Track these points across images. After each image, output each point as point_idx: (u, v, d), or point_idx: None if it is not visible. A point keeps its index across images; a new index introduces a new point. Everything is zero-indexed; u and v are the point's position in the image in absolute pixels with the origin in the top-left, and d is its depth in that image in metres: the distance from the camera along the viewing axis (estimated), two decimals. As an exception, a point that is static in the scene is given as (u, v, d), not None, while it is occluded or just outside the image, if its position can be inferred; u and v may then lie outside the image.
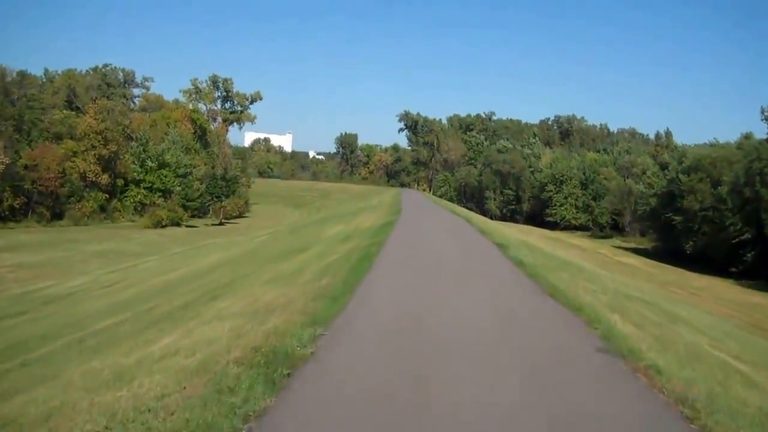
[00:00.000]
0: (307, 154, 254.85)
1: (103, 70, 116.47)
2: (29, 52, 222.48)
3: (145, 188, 76.75)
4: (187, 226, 73.03)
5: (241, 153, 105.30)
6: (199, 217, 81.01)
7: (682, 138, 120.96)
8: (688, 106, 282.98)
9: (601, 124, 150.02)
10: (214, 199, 75.00)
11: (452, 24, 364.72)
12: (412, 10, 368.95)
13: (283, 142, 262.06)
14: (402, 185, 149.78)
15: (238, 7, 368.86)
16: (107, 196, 72.80)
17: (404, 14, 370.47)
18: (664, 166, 79.43)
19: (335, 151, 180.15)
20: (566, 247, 70.44)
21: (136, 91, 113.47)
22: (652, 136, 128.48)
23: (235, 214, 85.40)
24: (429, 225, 29.89)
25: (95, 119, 71.54)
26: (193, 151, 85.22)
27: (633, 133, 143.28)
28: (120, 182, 75.72)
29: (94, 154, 71.29)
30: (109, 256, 49.25)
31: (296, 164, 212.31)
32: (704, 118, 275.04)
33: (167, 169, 78.04)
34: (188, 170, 79.67)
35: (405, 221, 29.48)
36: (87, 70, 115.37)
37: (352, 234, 24.98)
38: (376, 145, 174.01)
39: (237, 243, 49.02)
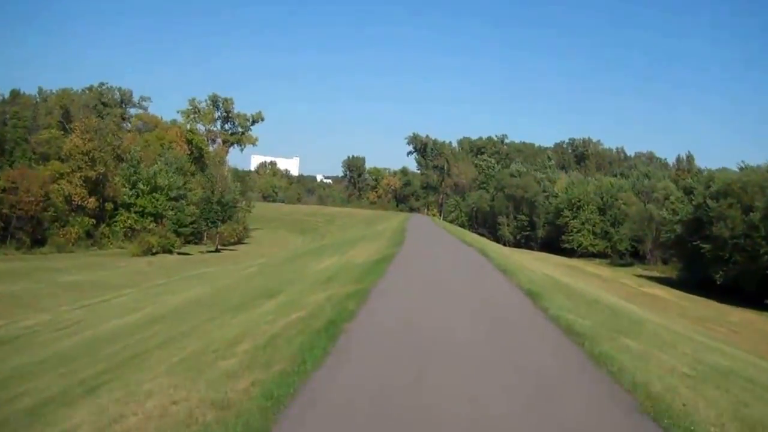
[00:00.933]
0: (314, 177, 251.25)
1: (99, 89, 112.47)
2: (25, 71, 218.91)
3: (135, 213, 72.16)
4: (180, 254, 68.25)
5: (240, 176, 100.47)
6: (195, 243, 76.24)
7: (702, 162, 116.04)
8: (706, 130, 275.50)
9: (617, 148, 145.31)
10: (209, 224, 70.25)
11: (462, 44, 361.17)
12: (422, 31, 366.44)
13: (290, 165, 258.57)
14: (411, 210, 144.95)
15: (242, 29, 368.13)
16: (94, 221, 68.10)
17: (414, 35, 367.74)
18: (688, 191, 74.06)
19: (342, 174, 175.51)
20: (586, 276, 65.17)
21: (132, 111, 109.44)
22: (670, 161, 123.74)
23: (233, 240, 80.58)
24: (435, 261, 24.99)
25: (82, 139, 67.14)
26: (188, 174, 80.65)
27: (651, 157, 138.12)
28: (109, 206, 71.16)
29: (81, 176, 66.82)
30: (84, 287, 44.42)
31: (303, 188, 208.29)
32: (724, 142, 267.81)
33: (160, 192, 73.47)
34: (181, 193, 75.05)
35: (406, 255, 24.82)
36: (82, 89, 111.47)
37: (339, 272, 20.29)
38: (385, 169, 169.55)
39: (222, 275, 44.16)
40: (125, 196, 71.92)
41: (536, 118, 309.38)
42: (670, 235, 74.58)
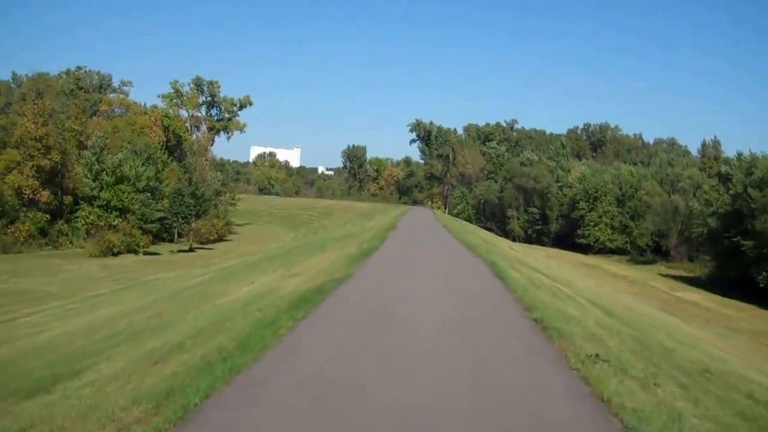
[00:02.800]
0: (315, 169, 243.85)
1: (77, 73, 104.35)
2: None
3: (99, 207, 63.97)
4: (147, 254, 60.12)
5: (223, 166, 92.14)
6: (170, 241, 68.00)
7: (728, 149, 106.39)
8: (728, 114, 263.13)
9: (635, 134, 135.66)
10: (180, 220, 61.98)
11: (467, 27, 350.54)
12: (425, 14, 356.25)
13: (291, 157, 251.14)
14: (414, 202, 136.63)
15: (243, 14, 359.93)
16: (49, 216, 59.97)
17: (417, 19, 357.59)
18: (725, 179, 65.41)
19: (342, 165, 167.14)
20: (610, 278, 56.77)
21: (113, 97, 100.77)
22: (692, 147, 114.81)
23: (212, 237, 72.36)
24: (414, 285, 16.02)
25: (34, 123, 58.91)
26: (162, 163, 72.35)
27: (672, 144, 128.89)
28: (68, 200, 63.08)
29: (32, 166, 58.74)
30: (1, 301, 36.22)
31: (302, 180, 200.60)
32: (749, 128, 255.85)
33: (126, 183, 65.27)
34: (153, 185, 66.87)
35: (373, 271, 16.92)
36: (59, 74, 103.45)
37: (234, 315, 12.29)
38: (387, 159, 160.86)
39: (161, 287, 35.97)
40: (87, 188, 63.78)
41: (547, 103, 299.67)
42: (702, 229, 65.93)
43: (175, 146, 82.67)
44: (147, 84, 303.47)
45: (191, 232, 65.69)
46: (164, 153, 75.67)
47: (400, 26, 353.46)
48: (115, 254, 57.25)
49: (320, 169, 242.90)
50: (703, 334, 27.87)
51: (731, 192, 60.94)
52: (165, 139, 79.71)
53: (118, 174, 65.01)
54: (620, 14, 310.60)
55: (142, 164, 68.36)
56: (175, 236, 63.70)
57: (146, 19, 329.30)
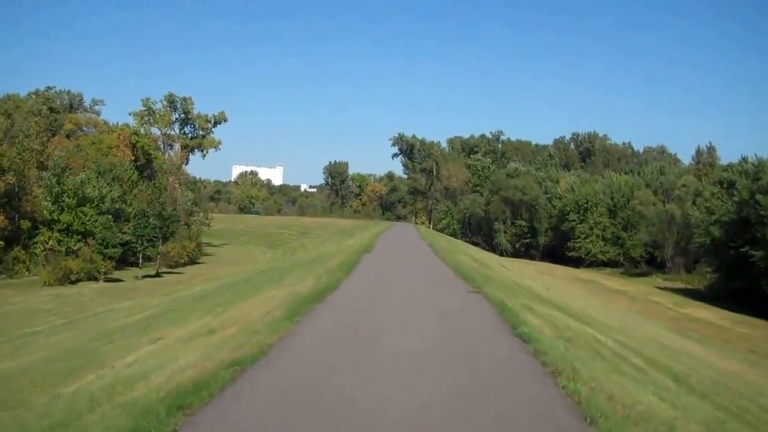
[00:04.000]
0: (298, 187, 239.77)
1: (46, 93, 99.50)
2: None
3: (59, 231, 59.17)
4: (109, 280, 55.36)
5: (197, 185, 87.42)
6: (135, 265, 62.99)
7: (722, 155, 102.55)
8: (718, 121, 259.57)
9: (624, 143, 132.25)
10: (145, 243, 57.34)
11: (449, 39, 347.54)
12: (406, 27, 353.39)
13: (273, 175, 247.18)
14: (398, 218, 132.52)
15: (222, 33, 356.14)
16: (2, 243, 55.09)
17: (398, 32, 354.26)
18: (727, 186, 61.78)
19: (324, 182, 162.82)
20: (610, 295, 52.79)
21: (79, 116, 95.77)
22: (682, 156, 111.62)
23: (183, 260, 67.68)
24: (380, 368, 8.87)
25: (-16, 143, 54.28)
26: (129, 183, 67.68)
27: (662, 151, 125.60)
28: (26, 224, 58.16)
29: (-16, 188, 53.95)
30: None
31: (285, 198, 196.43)
32: (740, 135, 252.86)
33: (89, 205, 60.59)
34: (119, 207, 62.21)
35: (318, 332, 11.25)
36: (29, 94, 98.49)
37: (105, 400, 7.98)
38: (370, 175, 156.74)
39: (112, 319, 31.44)
40: (46, 212, 59.00)
41: (530, 114, 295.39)
42: (704, 239, 62.13)
43: (144, 165, 77.99)
44: (123, 104, 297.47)
45: (158, 256, 60.98)
46: (133, 172, 71.04)
47: (381, 40, 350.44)
48: (73, 282, 52.53)
49: (303, 187, 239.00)
50: (735, 365, 23.89)
51: (735, 199, 57.37)
52: (134, 158, 75.06)
53: (80, 195, 60.31)
54: (604, 24, 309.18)
55: (107, 185, 63.74)
56: (140, 260, 58.85)
57: (124, 40, 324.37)
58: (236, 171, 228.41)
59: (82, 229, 59.59)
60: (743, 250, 54.27)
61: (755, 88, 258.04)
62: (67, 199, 59.77)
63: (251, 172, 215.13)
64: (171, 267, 65.16)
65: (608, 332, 15.89)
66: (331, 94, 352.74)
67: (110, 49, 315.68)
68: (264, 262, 71.68)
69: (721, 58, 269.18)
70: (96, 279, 54.40)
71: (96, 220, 59.53)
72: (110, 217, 59.42)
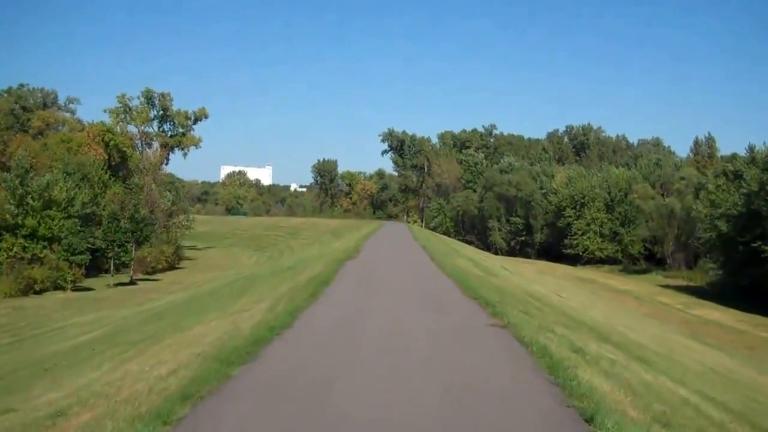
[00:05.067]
0: (288, 187, 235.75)
1: (18, 91, 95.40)
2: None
3: (24, 237, 55.28)
4: (77, 289, 51.66)
5: (171, 184, 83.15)
6: (106, 272, 58.93)
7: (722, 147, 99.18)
8: (713, 112, 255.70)
9: (618, 136, 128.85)
10: (116, 248, 53.58)
11: (437, 33, 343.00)
12: (394, 22, 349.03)
13: (262, 175, 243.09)
14: (389, 216, 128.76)
15: (209, 33, 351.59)
16: (-40, 251, 51.41)
17: (386, 26, 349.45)
18: (733, 177, 58.38)
19: (313, 181, 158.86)
20: (617, 297, 49.31)
21: (45, 113, 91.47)
22: (675, 147, 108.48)
23: (161, 266, 63.95)
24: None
25: (-62, 143, 50.42)
26: (100, 184, 63.74)
27: (656, 144, 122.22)
28: (-14, 230, 54.42)
29: (-63, 192, 50.17)
30: None
31: (274, 198, 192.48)
32: (737, 126, 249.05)
33: (56, 208, 56.73)
34: (90, 210, 58.34)
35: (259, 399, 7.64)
36: (0, 92, 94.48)
37: None
38: (359, 173, 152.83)
39: (61, 336, 27.79)
40: (9, 216, 55.10)
41: (521, 108, 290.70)
42: (710, 234, 58.70)
43: (119, 165, 73.99)
44: (105, 104, 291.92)
45: (132, 262, 57.18)
46: (105, 172, 67.04)
47: (369, 35, 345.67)
48: (38, 292, 48.89)
49: (293, 187, 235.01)
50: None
51: (743, 191, 53.93)
52: (107, 157, 71.06)
53: (46, 198, 56.45)
54: (594, 16, 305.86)
55: (76, 186, 59.89)
56: (112, 267, 55.03)
57: (107, 39, 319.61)
58: (224, 171, 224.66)
59: (49, 235, 55.75)
60: (754, 245, 50.84)
61: (750, 79, 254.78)
62: (31, 202, 55.84)
63: (239, 172, 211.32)
64: (148, 273, 61.52)
65: (683, 378, 11.95)
66: (319, 90, 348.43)
67: (93, 49, 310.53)
68: (248, 266, 68.07)
69: (716, 50, 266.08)
70: (63, 288, 50.75)
71: (62, 225, 55.61)
72: (77, 221, 55.39)
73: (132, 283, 56.10)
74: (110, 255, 54.58)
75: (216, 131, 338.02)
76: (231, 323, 12.58)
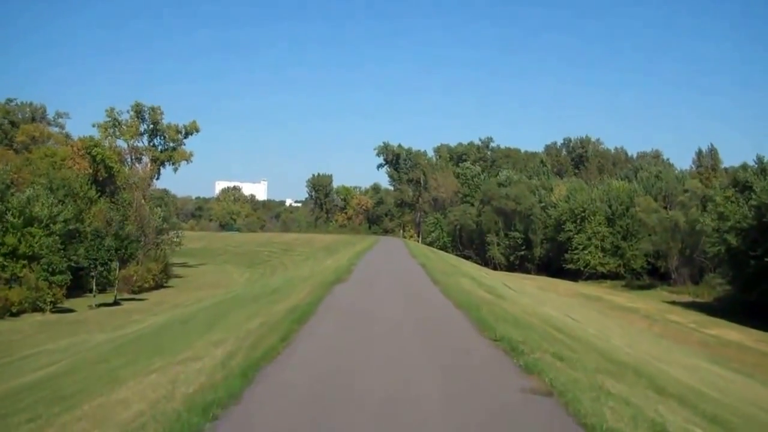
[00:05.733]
0: (283, 202, 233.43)
1: (6, 106, 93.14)
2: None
3: (4, 255, 52.65)
4: (58, 311, 49.04)
5: (162, 200, 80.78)
6: (101, 291, 56.28)
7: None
8: (711, 125, 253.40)
9: (616, 148, 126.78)
10: (99, 266, 51.05)
11: (433, 45, 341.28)
12: (389, 34, 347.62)
13: (258, 190, 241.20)
14: (385, 231, 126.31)
15: (205, 47, 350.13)
16: (-65, 271, 48.82)
17: (381, 39, 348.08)
18: (742, 189, 56.28)
19: (308, 196, 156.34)
20: (624, 315, 46.89)
21: (30, 127, 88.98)
22: (674, 160, 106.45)
23: (148, 284, 61.35)
24: None
25: None
26: (84, 200, 61.20)
27: (656, 156, 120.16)
28: (-36, 249, 51.80)
29: None
30: None
31: (268, 214, 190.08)
32: (735, 138, 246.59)
33: (38, 225, 54.18)
34: (74, 227, 55.77)
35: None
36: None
37: None
38: (355, 187, 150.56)
39: (27, 368, 25.28)
40: (-13, 234, 52.55)
41: (518, 120, 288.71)
42: (719, 248, 56.50)
43: (106, 180, 71.52)
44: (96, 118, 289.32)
45: (116, 281, 54.60)
46: (91, 188, 64.47)
47: (364, 48, 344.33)
48: (15, 314, 46.27)
49: (288, 202, 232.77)
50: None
51: (753, 203, 51.79)
52: (93, 172, 68.62)
53: (27, 214, 53.93)
54: (592, 27, 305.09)
55: (60, 202, 57.41)
56: (94, 287, 52.38)
57: (100, 53, 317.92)
58: (219, 187, 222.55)
59: (30, 253, 53.09)
60: (767, 259, 48.68)
61: (751, 90, 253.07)
62: (11, 219, 53.26)
63: (234, 187, 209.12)
64: (134, 292, 58.85)
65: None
66: (315, 104, 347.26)
67: (85, 64, 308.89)
68: (239, 284, 65.55)
69: (717, 60, 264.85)
70: (42, 310, 48.06)
71: (43, 243, 53.03)
72: (57, 238, 52.85)
73: (116, 303, 53.47)
74: (93, 274, 51.94)
75: (211, 147, 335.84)
76: (169, 382, 9.61)
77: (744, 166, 61.39)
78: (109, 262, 51.90)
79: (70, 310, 50.01)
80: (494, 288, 26.95)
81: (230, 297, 36.12)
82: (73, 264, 53.09)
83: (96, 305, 51.38)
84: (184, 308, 43.75)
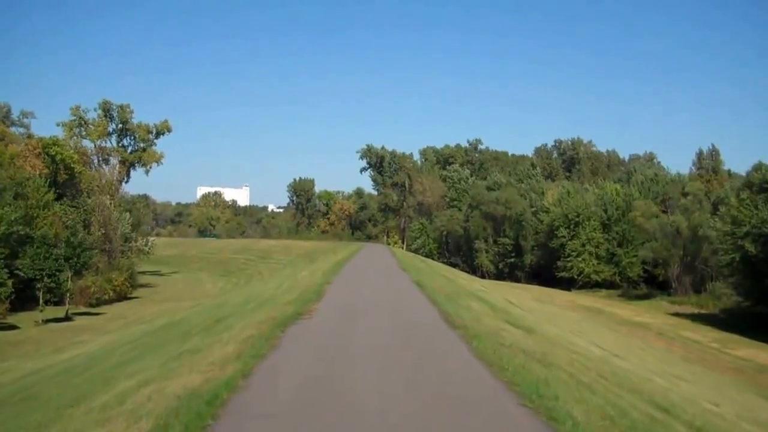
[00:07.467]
0: (265, 207, 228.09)
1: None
2: None
3: (-58, 266, 47.09)
4: (-1, 327, 43.58)
5: (132, 204, 75.31)
6: (54, 303, 50.63)
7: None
8: (704, 127, 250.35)
9: (608, 150, 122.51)
10: (45, 277, 45.64)
11: (417, 46, 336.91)
12: (372, 35, 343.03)
13: (239, 195, 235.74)
14: (369, 237, 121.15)
15: (183, 52, 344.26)
16: None
17: (364, 41, 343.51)
18: (758, 190, 51.84)
19: (289, 201, 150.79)
20: (634, 331, 42.14)
21: (13, 130, 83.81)
22: (667, 162, 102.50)
23: (107, 297, 55.81)
24: None
25: None
26: (35, 202, 55.55)
27: (650, 158, 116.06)
28: None
29: None
30: None
31: (250, 220, 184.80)
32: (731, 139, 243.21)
33: (-18, 233, 48.65)
34: (16, 232, 50.12)
35: None
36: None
37: None
38: (338, 192, 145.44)
39: None
40: (-75, 242, 47.04)
41: (506, 122, 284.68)
42: (732, 255, 51.94)
43: (67, 182, 65.91)
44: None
45: (68, 293, 49.08)
46: (49, 191, 58.80)
47: (347, 49, 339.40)
48: (-53, 332, 40.89)
49: (270, 207, 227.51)
50: None
51: (770, 206, 47.39)
52: (52, 174, 63.07)
53: (-31, 220, 48.45)
54: (581, 28, 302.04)
55: (8, 204, 51.78)
56: (41, 301, 46.81)
57: (76, 57, 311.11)
58: (201, 192, 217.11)
59: (-27, 264, 47.56)
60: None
61: (748, 91, 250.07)
62: (-46, 226, 47.82)
63: (215, 192, 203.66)
64: (92, 306, 53.40)
65: None
66: (297, 106, 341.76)
67: (61, 67, 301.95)
68: (210, 295, 60.24)
69: (709, 62, 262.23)
70: (-20, 326, 42.70)
71: (-13, 252, 47.46)
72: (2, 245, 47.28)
73: (67, 318, 48.00)
74: (38, 286, 46.43)
75: (193, 152, 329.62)
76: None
77: (760, 165, 56.83)
78: (57, 273, 46.36)
79: (14, 327, 44.48)
80: (511, 314, 21.56)
81: (178, 319, 30.75)
82: (22, 274, 47.57)
83: (43, 321, 45.83)
84: (140, 325, 38.59)
